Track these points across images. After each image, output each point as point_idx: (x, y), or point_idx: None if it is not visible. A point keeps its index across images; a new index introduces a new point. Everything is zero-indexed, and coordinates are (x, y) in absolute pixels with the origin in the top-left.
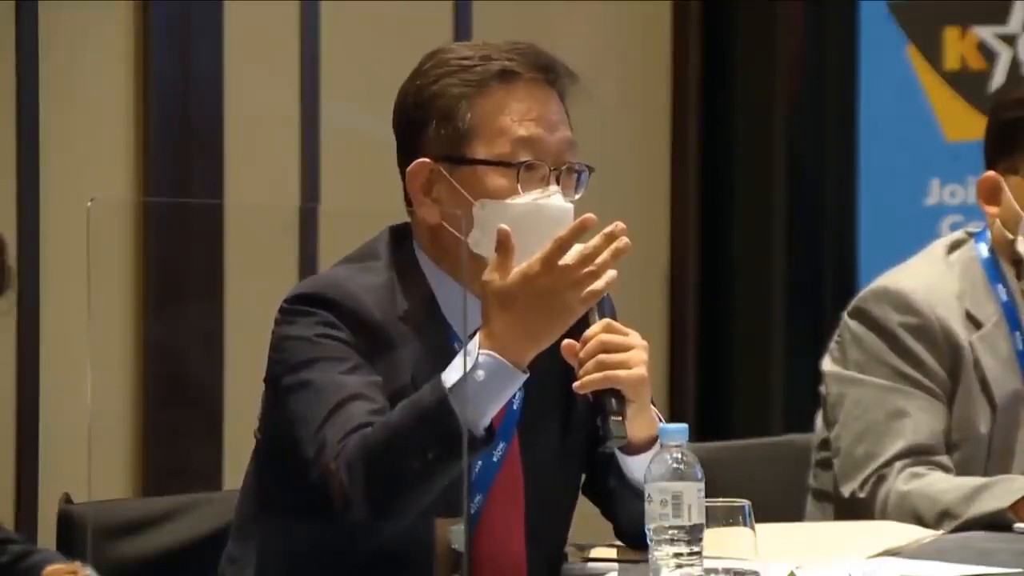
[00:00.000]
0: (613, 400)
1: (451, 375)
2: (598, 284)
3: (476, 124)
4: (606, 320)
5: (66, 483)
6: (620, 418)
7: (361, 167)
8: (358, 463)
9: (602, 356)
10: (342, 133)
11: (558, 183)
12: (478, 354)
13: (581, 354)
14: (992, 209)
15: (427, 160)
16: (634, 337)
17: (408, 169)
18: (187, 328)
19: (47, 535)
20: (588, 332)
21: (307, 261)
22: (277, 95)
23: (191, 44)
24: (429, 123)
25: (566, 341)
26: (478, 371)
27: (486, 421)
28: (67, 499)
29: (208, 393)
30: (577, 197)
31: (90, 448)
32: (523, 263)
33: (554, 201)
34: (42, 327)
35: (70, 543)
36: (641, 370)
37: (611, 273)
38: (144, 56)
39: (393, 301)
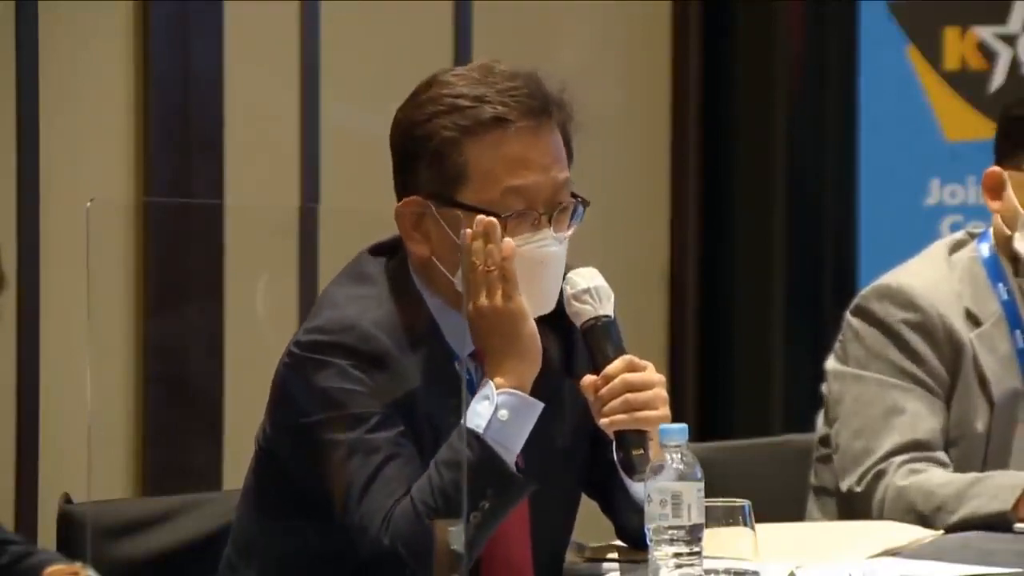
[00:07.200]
0: (636, 437)
1: (475, 420)
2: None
3: (467, 169)
4: (628, 357)
5: (66, 483)
6: (642, 452)
7: (361, 167)
8: (414, 535)
9: (629, 396)
10: (342, 133)
11: (550, 223)
12: (497, 394)
13: (603, 391)
14: (994, 204)
15: (417, 198)
16: (651, 371)
17: (397, 207)
18: (187, 328)
19: (47, 535)
20: (610, 369)
21: (307, 261)
22: (277, 95)
23: (191, 44)
24: (421, 160)
25: (587, 377)
26: (501, 411)
27: (514, 458)
28: (67, 499)
29: (208, 393)
30: (570, 232)
31: (90, 448)
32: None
33: (539, 248)
34: (42, 327)
35: (70, 543)
36: (666, 411)
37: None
38: (144, 56)
39: (400, 329)
